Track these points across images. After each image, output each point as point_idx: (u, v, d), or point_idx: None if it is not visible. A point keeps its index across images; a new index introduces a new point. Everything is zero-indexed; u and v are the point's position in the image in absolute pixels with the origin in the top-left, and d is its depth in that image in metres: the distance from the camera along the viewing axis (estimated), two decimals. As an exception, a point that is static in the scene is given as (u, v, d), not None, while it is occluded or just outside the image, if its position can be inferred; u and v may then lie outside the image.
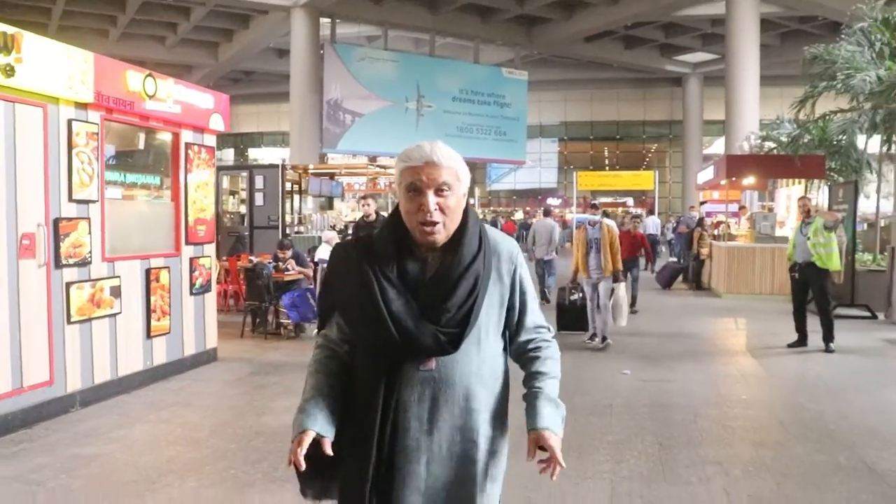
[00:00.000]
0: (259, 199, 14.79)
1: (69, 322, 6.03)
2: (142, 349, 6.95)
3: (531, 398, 2.07)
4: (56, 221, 5.85)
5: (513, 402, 2.11)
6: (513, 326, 2.14)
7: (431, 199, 1.93)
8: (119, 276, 6.58)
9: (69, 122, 5.98)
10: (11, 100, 5.45)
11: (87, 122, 6.17)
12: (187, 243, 7.56)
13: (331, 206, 21.67)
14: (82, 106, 6.14)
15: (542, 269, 13.61)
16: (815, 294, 8.87)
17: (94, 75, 6.18)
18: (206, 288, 7.86)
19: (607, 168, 47.11)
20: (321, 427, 1.96)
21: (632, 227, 13.94)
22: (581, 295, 9.67)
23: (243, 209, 15.32)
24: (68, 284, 6.00)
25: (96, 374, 6.36)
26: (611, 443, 5.29)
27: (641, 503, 4.18)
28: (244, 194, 15.37)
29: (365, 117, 28.02)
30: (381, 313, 1.93)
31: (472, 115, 31.06)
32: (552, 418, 2.02)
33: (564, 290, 10.15)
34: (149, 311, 7.00)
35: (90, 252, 6.21)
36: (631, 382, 7.12)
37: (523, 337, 2.15)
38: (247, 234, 14.27)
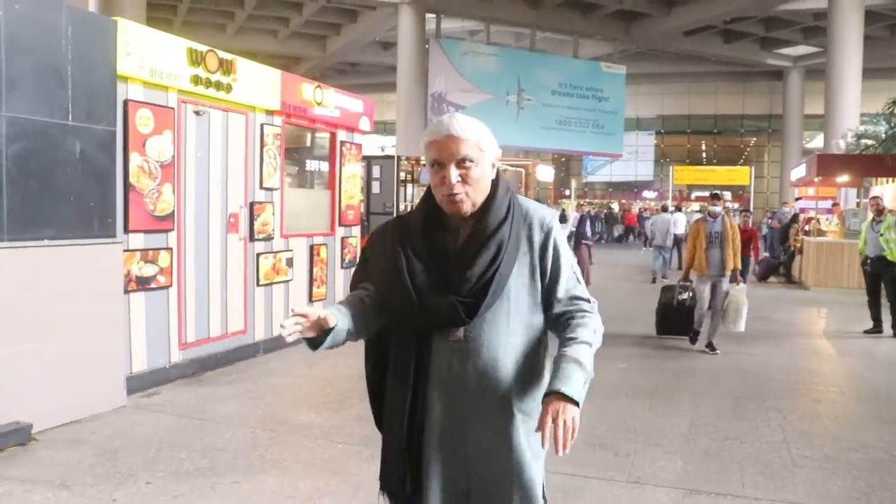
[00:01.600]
0: (376, 188, 16.45)
1: (258, 285, 7.71)
2: (305, 310, 8.58)
3: (554, 362, 2.04)
4: (252, 204, 7.52)
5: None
6: (546, 297, 2.12)
7: (453, 172, 1.98)
8: (292, 250, 8.24)
9: (261, 125, 7.63)
10: (226, 110, 7.13)
11: (273, 125, 7.81)
12: (340, 225, 9.21)
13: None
14: (271, 112, 7.78)
15: (660, 254, 17.23)
16: (886, 285, 9.85)
17: (281, 88, 7.82)
18: (353, 263, 9.49)
19: (704, 162, 47.31)
20: (330, 310, 1.98)
21: (741, 221, 13.64)
22: (691, 295, 8.87)
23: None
24: (258, 255, 7.67)
25: (274, 327, 8.03)
26: (692, 393, 6.59)
27: (713, 432, 5.48)
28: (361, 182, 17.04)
29: (467, 110, 29.39)
30: (406, 284, 2.00)
31: (570, 109, 32.06)
32: (567, 380, 1.94)
33: (672, 290, 9.23)
34: (311, 280, 8.64)
35: (273, 229, 7.86)
36: (714, 356, 8.32)
37: (557, 309, 2.12)
38: (365, 220, 15.94)
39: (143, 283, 6.20)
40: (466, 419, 2.05)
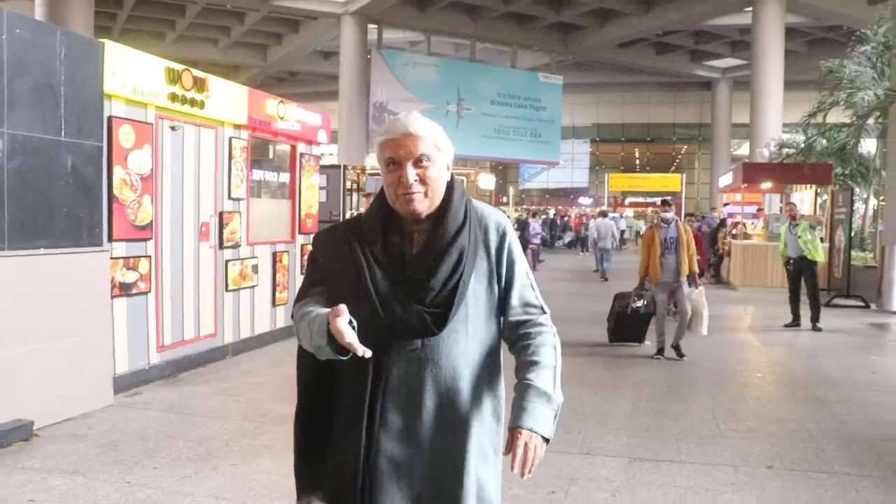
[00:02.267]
0: (322, 196, 16.94)
1: (227, 290, 8.16)
2: (269, 314, 9.08)
3: (518, 390, 1.99)
4: (221, 214, 7.97)
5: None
6: (501, 303, 2.07)
7: (410, 171, 1.92)
8: (257, 257, 8.71)
9: (230, 139, 8.10)
10: (198, 125, 7.59)
11: (240, 138, 8.29)
12: (300, 233, 9.71)
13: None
14: (238, 127, 8.25)
15: (602, 255, 19.25)
16: (806, 282, 10.82)
17: (248, 103, 8.30)
18: (311, 268, 9.97)
19: (638, 169, 48.90)
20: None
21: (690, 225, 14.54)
22: (645, 303, 8.83)
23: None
24: (227, 262, 8.13)
25: (242, 330, 8.48)
26: (633, 383, 7.31)
27: (653, 413, 6.18)
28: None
29: (408, 119, 30.06)
30: (369, 294, 1.92)
31: (508, 118, 32.99)
32: (535, 415, 1.93)
33: (625, 297, 9.05)
34: (275, 285, 9.12)
35: (240, 237, 8.33)
36: (651, 349, 9.09)
37: (511, 317, 2.07)
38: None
39: (125, 289, 6.62)
40: (421, 427, 1.98)
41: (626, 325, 9.06)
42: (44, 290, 5.60)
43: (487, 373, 2.05)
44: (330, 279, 2.04)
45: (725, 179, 21.67)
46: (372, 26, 30.69)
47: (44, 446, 5.16)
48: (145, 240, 6.86)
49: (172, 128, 7.21)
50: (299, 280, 9.56)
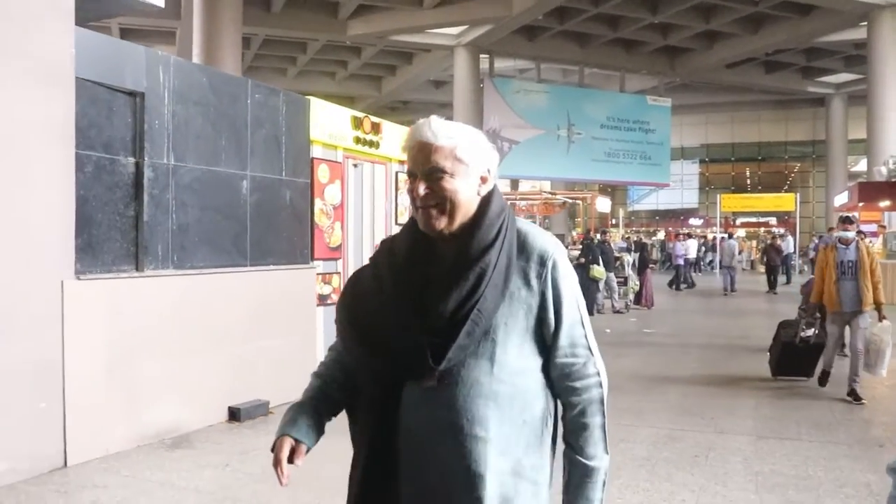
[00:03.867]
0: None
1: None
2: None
3: (566, 463, 1.89)
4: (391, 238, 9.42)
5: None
6: (547, 341, 1.86)
7: (421, 185, 1.79)
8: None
9: (396, 173, 9.58)
10: (374, 162, 9.09)
11: (403, 172, 9.75)
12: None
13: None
14: (402, 162, 9.72)
15: (729, 274, 21.45)
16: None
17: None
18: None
19: (749, 189, 48.69)
20: (301, 433, 1.90)
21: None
22: (815, 331, 7.96)
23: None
24: (394, 277, 9.56)
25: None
26: (755, 385, 8.31)
27: (776, 406, 7.19)
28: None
29: (521, 144, 31.38)
30: (376, 325, 1.82)
31: (618, 142, 33.84)
32: (581, 494, 1.84)
33: (793, 325, 8.24)
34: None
35: (404, 257, 9.76)
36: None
37: (558, 358, 1.85)
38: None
39: (322, 300, 8.11)
40: (430, 479, 1.80)
41: (793, 356, 8.22)
42: (273, 298, 7.12)
43: (524, 422, 1.82)
44: (352, 319, 1.92)
45: (841, 199, 22.04)
46: (483, 56, 32.22)
47: (278, 420, 6.62)
48: (336, 259, 8.36)
49: (355, 165, 8.73)
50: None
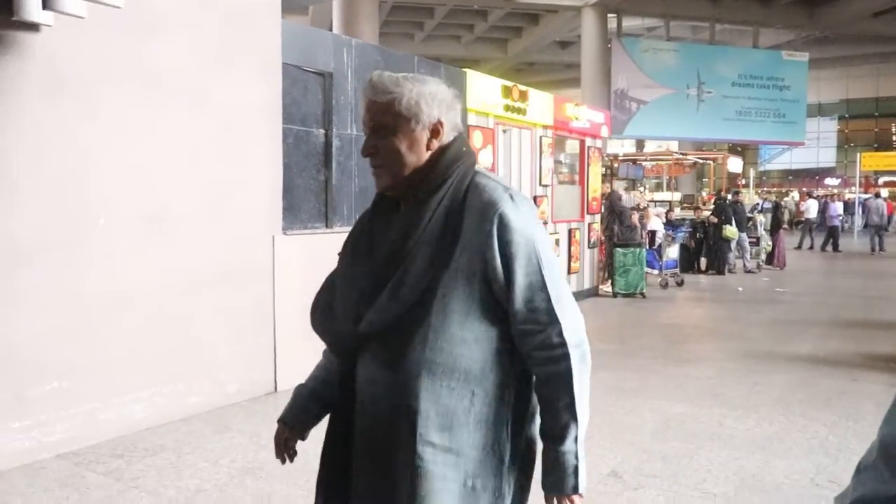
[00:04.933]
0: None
1: (537, 259, 10.29)
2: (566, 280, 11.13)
3: (543, 443, 1.76)
4: (535, 197, 10.13)
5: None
6: (502, 307, 1.69)
7: (367, 141, 1.75)
8: (558, 233, 10.80)
9: (540, 137, 10.22)
10: (521, 127, 9.77)
11: (547, 137, 10.39)
12: (587, 213, 11.70)
13: (634, 187, 25.38)
14: (546, 127, 10.36)
15: (875, 232, 21.70)
16: None
17: (553, 108, 10.39)
18: (594, 244, 11.96)
19: (894, 146, 46.40)
20: (291, 417, 1.97)
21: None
22: None
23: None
24: (538, 236, 10.26)
25: (546, 292, 10.59)
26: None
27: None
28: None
29: (649, 105, 31.21)
30: (333, 290, 1.85)
31: (750, 99, 33.06)
32: (554, 476, 1.71)
33: None
34: (570, 257, 11.18)
35: (548, 217, 10.45)
36: None
37: (514, 325, 1.69)
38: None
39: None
40: (378, 441, 1.74)
41: None
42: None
43: (471, 394, 1.69)
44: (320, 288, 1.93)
45: None
46: (611, 15, 32.08)
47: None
48: (488, 218, 9.12)
49: (504, 131, 9.43)
50: (586, 253, 11.58)
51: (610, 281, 12.31)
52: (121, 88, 5.05)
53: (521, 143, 9.81)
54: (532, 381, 1.79)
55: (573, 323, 1.72)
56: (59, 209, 4.74)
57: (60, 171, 4.74)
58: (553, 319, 1.68)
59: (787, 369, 7.08)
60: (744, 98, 33.00)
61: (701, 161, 24.56)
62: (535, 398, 1.80)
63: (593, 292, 12.12)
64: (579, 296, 11.50)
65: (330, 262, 6.44)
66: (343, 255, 1.89)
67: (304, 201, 6.54)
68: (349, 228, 5.97)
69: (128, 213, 5.10)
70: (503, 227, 1.65)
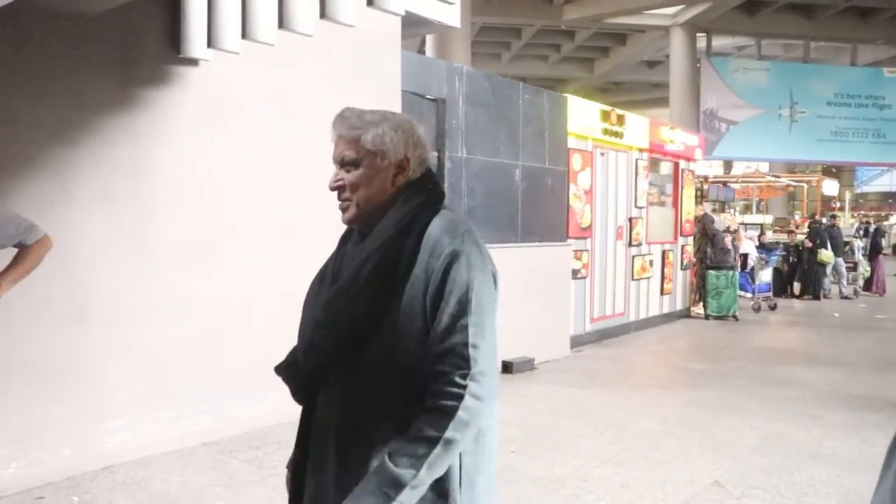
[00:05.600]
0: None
1: (632, 279, 10.62)
2: (658, 301, 11.41)
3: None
4: (630, 219, 10.45)
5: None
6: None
7: (333, 175, 1.80)
8: (652, 254, 11.09)
9: (636, 160, 10.56)
10: (618, 150, 10.13)
11: (642, 159, 10.72)
12: (681, 235, 11.95)
13: (723, 209, 25.29)
14: (641, 150, 10.69)
15: None
16: None
17: (649, 131, 10.72)
18: (686, 266, 12.18)
19: None
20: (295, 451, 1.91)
21: None
22: None
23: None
24: (633, 257, 10.58)
25: (640, 312, 10.89)
26: None
27: None
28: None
29: (739, 125, 30.97)
30: (302, 318, 1.88)
31: (847, 119, 32.44)
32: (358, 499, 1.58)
33: None
34: (663, 277, 11.44)
35: (642, 238, 10.75)
36: None
37: (431, 354, 1.64)
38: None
39: (573, 275, 9.28)
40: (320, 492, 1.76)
41: None
42: (536, 270, 8.36)
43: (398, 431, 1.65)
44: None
45: None
46: (700, 35, 32.02)
47: (543, 374, 7.90)
48: (585, 238, 9.50)
49: (602, 154, 9.81)
50: (679, 275, 11.80)
51: (702, 303, 12.48)
52: (261, 113, 5.67)
53: (617, 165, 10.16)
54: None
55: (483, 376, 1.63)
56: (200, 222, 5.35)
57: (204, 187, 5.36)
58: (463, 362, 1.62)
59: (888, 395, 7.20)
60: (840, 118, 32.39)
61: (794, 184, 24.31)
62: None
63: (685, 314, 12.33)
64: (671, 317, 11.74)
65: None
66: (311, 285, 1.91)
67: (418, 219, 7.05)
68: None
69: (261, 227, 5.70)
70: (447, 266, 1.66)
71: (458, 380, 1.60)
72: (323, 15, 4.20)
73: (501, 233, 8.00)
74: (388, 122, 1.78)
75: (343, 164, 1.79)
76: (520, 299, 8.08)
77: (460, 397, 1.59)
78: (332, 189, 1.81)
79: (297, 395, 1.87)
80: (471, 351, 1.62)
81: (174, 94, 5.17)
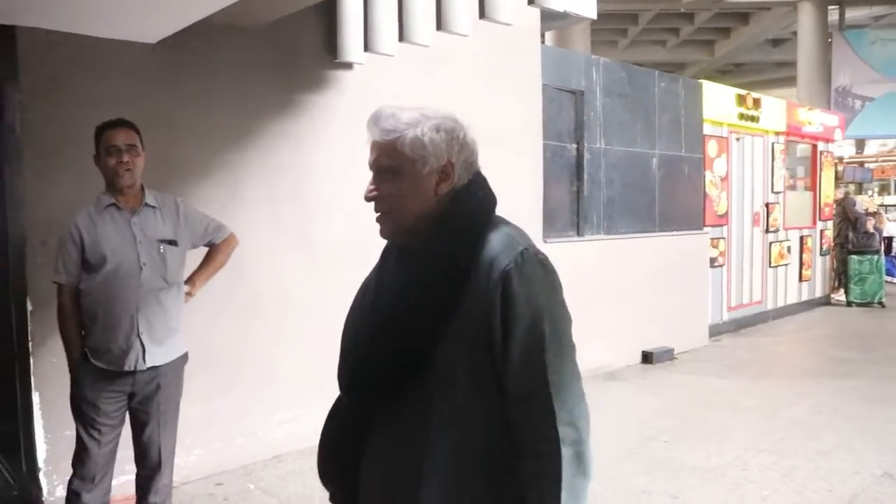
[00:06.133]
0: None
1: (770, 266, 10.41)
2: (797, 288, 11.14)
3: None
4: (767, 204, 10.24)
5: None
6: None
7: (369, 186, 1.61)
8: (790, 240, 10.83)
9: (772, 144, 10.33)
10: (754, 134, 9.95)
11: (779, 143, 10.47)
12: (819, 220, 11.61)
13: (859, 191, 24.25)
14: (778, 133, 10.45)
15: None
16: None
17: (786, 114, 10.46)
18: (826, 252, 11.82)
19: None
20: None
21: None
22: None
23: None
24: (770, 243, 10.37)
25: (779, 299, 10.66)
26: None
27: None
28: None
29: (875, 101, 29.52)
30: (345, 332, 1.70)
31: None
32: None
33: None
34: (801, 264, 11.15)
35: (779, 224, 10.52)
36: None
37: (506, 413, 1.48)
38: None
39: (711, 262, 9.18)
40: None
41: None
42: (674, 260, 8.34)
43: (482, 482, 1.50)
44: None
45: None
46: (832, 7, 30.64)
47: (683, 364, 7.89)
48: (722, 226, 9.39)
49: (737, 139, 9.65)
50: (818, 261, 11.49)
51: (843, 289, 12.08)
52: (414, 112, 5.90)
53: (753, 150, 9.98)
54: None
55: (573, 416, 1.47)
56: (355, 220, 5.55)
57: (358, 187, 5.61)
58: (547, 409, 1.45)
59: None
60: None
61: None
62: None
63: (825, 301, 11.97)
64: (810, 304, 11.44)
65: (582, 270, 7.05)
66: (353, 303, 1.72)
67: (558, 211, 7.19)
68: (599, 237, 6.52)
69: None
70: (507, 292, 1.45)
71: (549, 433, 1.44)
72: (482, 15, 4.36)
73: (639, 222, 8.04)
74: (428, 122, 1.58)
75: (379, 171, 1.61)
76: (658, 289, 8.11)
77: (558, 455, 1.44)
78: (367, 200, 1.63)
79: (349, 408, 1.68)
80: (553, 392, 1.45)
81: (330, 98, 5.47)
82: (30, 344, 4.16)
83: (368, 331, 1.58)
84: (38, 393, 4.18)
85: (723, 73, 45.79)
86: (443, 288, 1.49)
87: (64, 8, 3.92)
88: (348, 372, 1.62)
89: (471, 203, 1.59)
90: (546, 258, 1.57)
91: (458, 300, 1.48)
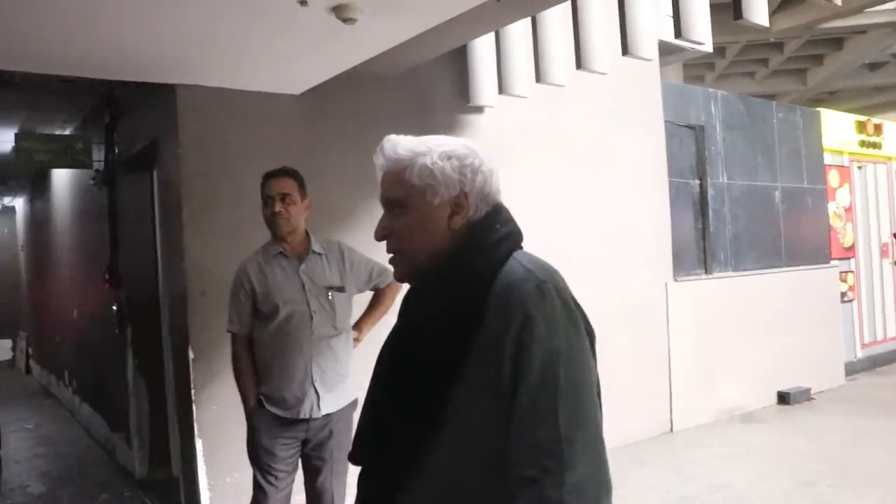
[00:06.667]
0: None
1: (903, 298, 10.01)
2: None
3: None
4: (894, 234, 9.87)
5: None
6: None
7: (379, 223, 1.48)
8: (921, 271, 10.40)
9: (896, 171, 10.02)
10: (876, 162, 9.66)
11: (904, 170, 10.15)
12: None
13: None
14: (902, 161, 10.13)
15: None
16: None
17: (906, 141, 10.16)
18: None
19: None
20: None
21: None
22: None
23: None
24: (902, 275, 9.98)
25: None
26: None
27: None
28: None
29: None
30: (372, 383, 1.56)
31: None
32: None
33: None
34: (934, 296, 10.68)
35: (908, 254, 10.13)
36: None
37: (513, 469, 1.31)
38: None
39: (841, 297, 8.87)
40: None
41: None
42: (803, 295, 8.09)
43: None
44: None
45: None
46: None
47: (823, 404, 7.59)
48: (849, 258, 9.08)
49: (859, 167, 9.39)
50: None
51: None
52: (542, 150, 5.94)
53: (876, 178, 9.67)
54: None
55: (585, 476, 1.29)
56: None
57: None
58: (557, 466, 1.27)
59: None
60: None
61: None
62: None
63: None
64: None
65: (711, 308, 6.93)
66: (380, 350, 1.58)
67: (685, 249, 7.08)
68: (727, 274, 6.39)
69: (541, 255, 5.92)
70: (522, 330, 1.31)
71: (549, 492, 1.26)
72: (626, 52, 4.41)
73: (766, 258, 7.85)
74: (438, 150, 1.44)
75: (388, 205, 1.48)
76: (789, 326, 7.88)
77: None
78: (378, 239, 1.50)
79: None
80: (564, 447, 1.28)
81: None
82: (192, 392, 4.29)
83: (383, 386, 1.50)
84: (200, 440, 4.29)
85: (815, 103, 44.60)
86: (457, 333, 1.36)
87: (219, 65, 4.11)
88: (363, 431, 1.54)
89: (488, 237, 1.45)
90: (570, 295, 1.42)
91: (471, 345, 1.35)
